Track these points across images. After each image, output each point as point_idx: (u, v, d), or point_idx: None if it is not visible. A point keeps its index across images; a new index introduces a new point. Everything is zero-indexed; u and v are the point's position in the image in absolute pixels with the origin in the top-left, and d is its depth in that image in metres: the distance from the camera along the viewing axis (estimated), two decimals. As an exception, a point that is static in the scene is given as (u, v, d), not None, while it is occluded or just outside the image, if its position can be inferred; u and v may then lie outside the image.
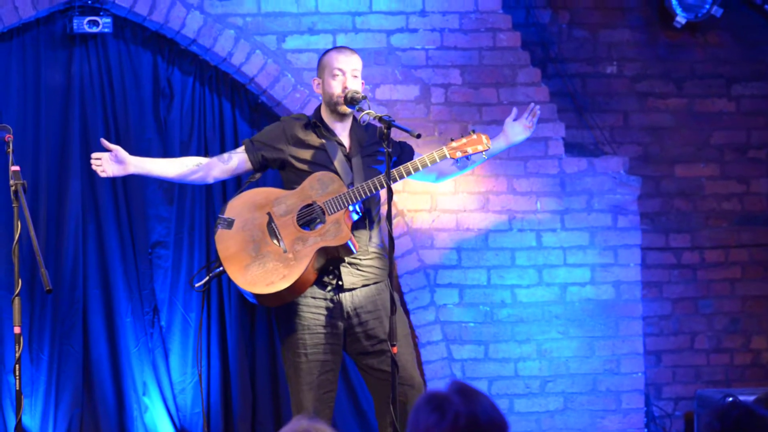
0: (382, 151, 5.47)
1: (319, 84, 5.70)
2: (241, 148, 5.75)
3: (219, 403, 6.91)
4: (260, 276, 5.50)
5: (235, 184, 6.75)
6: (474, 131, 5.68)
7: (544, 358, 7.08)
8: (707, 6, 7.59)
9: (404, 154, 5.76)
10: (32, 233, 5.11)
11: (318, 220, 5.55)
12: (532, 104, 5.91)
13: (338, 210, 5.51)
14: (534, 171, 7.12)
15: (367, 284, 5.62)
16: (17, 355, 5.08)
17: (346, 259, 5.57)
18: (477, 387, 2.90)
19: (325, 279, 5.58)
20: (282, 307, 5.60)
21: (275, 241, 5.55)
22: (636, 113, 7.71)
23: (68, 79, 6.80)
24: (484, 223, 7.07)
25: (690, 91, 7.75)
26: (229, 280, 5.64)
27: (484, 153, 5.67)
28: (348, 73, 5.63)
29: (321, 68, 5.70)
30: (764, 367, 7.72)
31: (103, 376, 6.80)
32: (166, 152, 6.82)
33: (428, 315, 7.00)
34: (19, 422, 5.15)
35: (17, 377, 5.10)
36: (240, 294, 6.47)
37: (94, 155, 5.70)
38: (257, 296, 5.55)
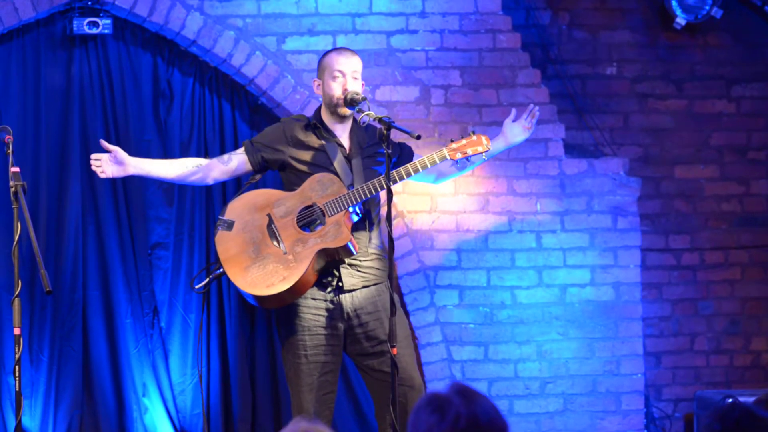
0: (382, 153, 5.47)
1: (319, 85, 5.70)
2: (241, 150, 5.74)
3: (219, 405, 6.91)
4: (260, 278, 5.50)
5: (235, 185, 6.75)
6: (474, 132, 5.68)
7: (543, 360, 7.08)
8: (707, 7, 7.59)
9: (404, 155, 5.76)
10: (32, 234, 5.11)
11: (318, 222, 5.55)
12: (531, 105, 5.91)
13: (338, 211, 5.51)
14: (534, 172, 7.13)
15: (367, 285, 5.62)
16: (17, 356, 5.08)
17: (346, 260, 5.57)
18: (477, 388, 2.91)
19: (325, 280, 5.58)
20: (282, 309, 5.60)
21: (275, 243, 5.56)
22: (636, 114, 7.71)
23: (68, 80, 6.81)
24: (484, 224, 7.07)
25: (690, 93, 7.76)
26: (229, 281, 5.64)
27: (484, 154, 5.67)
28: (348, 75, 5.63)
29: (321, 69, 5.70)
30: (764, 369, 7.72)
31: (103, 377, 6.81)
32: (166, 153, 6.82)
33: (428, 316, 7.00)
34: (18, 423, 5.15)
35: (17, 378, 5.10)
36: (240, 295, 6.47)
37: (93, 156, 5.70)
38: (257, 298, 5.55)
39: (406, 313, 6.86)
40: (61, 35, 6.79)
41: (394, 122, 5.31)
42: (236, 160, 5.73)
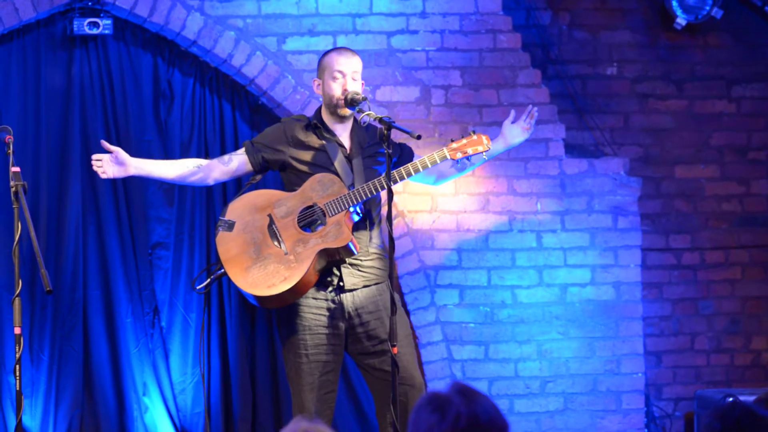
0: (383, 153, 5.47)
1: (319, 85, 5.70)
2: (242, 150, 5.74)
3: (219, 404, 6.91)
4: (261, 278, 5.51)
5: (236, 185, 6.75)
6: (474, 132, 5.68)
7: (544, 359, 7.08)
8: (707, 7, 7.59)
9: (404, 155, 5.76)
10: (32, 234, 5.11)
11: (319, 222, 5.55)
12: (530, 106, 5.91)
13: (339, 211, 5.52)
14: (534, 172, 7.13)
15: (368, 285, 5.62)
16: (17, 355, 5.08)
17: (347, 260, 5.57)
18: (477, 388, 2.91)
19: (327, 280, 5.59)
20: (283, 309, 5.61)
21: (276, 243, 5.56)
22: (636, 114, 7.71)
23: (68, 80, 6.81)
24: (485, 224, 7.07)
25: (690, 93, 7.76)
26: (230, 281, 5.64)
27: (484, 154, 5.67)
28: (348, 75, 5.63)
29: (321, 69, 5.70)
30: (764, 368, 7.72)
31: (104, 376, 6.81)
32: (167, 153, 6.82)
33: (428, 315, 7.00)
34: (19, 423, 5.15)
35: (17, 378, 5.11)
36: (240, 295, 6.48)
37: (94, 156, 5.71)
38: (258, 298, 5.55)
39: (407, 313, 6.87)
40: (62, 35, 6.80)
41: (394, 122, 5.31)
42: (237, 161, 5.73)
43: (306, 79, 6.86)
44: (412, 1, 7.07)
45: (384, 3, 7.03)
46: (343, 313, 5.59)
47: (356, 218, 5.57)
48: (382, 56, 7.03)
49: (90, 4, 6.71)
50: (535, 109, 5.89)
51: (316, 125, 5.68)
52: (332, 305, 5.59)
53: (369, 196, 5.52)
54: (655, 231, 7.65)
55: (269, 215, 5.59)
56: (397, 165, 5.63)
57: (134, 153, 5.90)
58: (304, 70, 6.91)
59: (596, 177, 7.17)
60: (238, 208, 5.64)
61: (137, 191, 6.85)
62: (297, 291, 5.50)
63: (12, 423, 6.50)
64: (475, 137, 5.65)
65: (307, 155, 5.64)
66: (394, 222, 6.65)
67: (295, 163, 5.65)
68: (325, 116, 5.69)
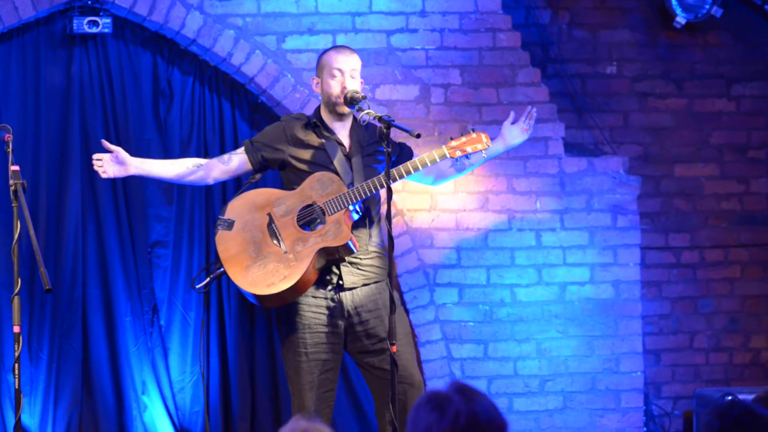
0: (382, 151, 5.48)
1: (318, 84, 5.71)
2: (241, 149, 5.75)
3: (218, 403, 6.91)
4: (261, 277, 5.51)
5: (235, 184, 6.76)
6: (473, 130, 5.68)
7: (543, 357, 7.08)
8: (707, 6, 7.59)
9: (403, 154, 5.77)
10: (32, 233, 5.11)
11: (318, 221, 5.55)
12: (530, 107, 5.91)
13: (338, 210, 5.52)
14: (534, 171, 7.13)
15: (367, 283, 5.63)
16: (16, 354, 5.09)
17: (347, 258, 5.57)
18: (476, 387, 2.91)
19: (326, 278, 5.59)
20: (282, 307, 5.61)
21: (276, 242, 5.56)
22: (636, 113, 7.71)
23: (68, 79, 6.81)
24: (484, 222, 7.07)
25: (690, 92, 7.76)
26: (229, 279, 5.64)
27: (483, 152, 5.67)
28: (347, 73, 5.63)
29: (320, 68, 5.71)
30: (763, 366, 7.72)
31: (103, 375, 6.81)
32: (166, 152, 6.82)
33: (427, 314, 7.00)
34: (18, 421, 5.16)
35: (16, 376, 5.11)
36: (239, 293, 6.47)
37: (95, 156, 5.71)
38: (258, 297, 5.55)
39: (406, 311, 6.87)
40: (61, 34, 6.80)
41: (394, 121, 5.31)
42: (236, 160, 5.74)
43: (305, 78, 6.86)
44: (412, -1, 7.08)
45: (383, 2, 7.03)
46: (343, 312, 5.59)
47: (355, 217, 5.57)
48: (381, 55, 7.02)
49: (89, 2, 6.71)
50: (534, 109, 5.89)
51: (316, 124, 5.68)
52: (332, 304, 5.59)
53: (368, 194, 5.52)
54: (654, 230, 7.65)
55: (269, 214, 5.59)
56: (396, 164, 5.63)
57: (134, 151, 5.90)
58: (303, 69, 6.90)
59: (596, 176, 7.17)
60: (237, 207, 5.64)
61: (136, 190, 6.85)
62: (296, 290, 5.51)
63: (11, 421, 6.50)
64: (474, 135, 5.65)
65: (306, 154, 5.64)
66: (394, 220, 6.64)
67: (294, 162, 5.65)
68: (325, 115, 5.69)
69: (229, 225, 5.61)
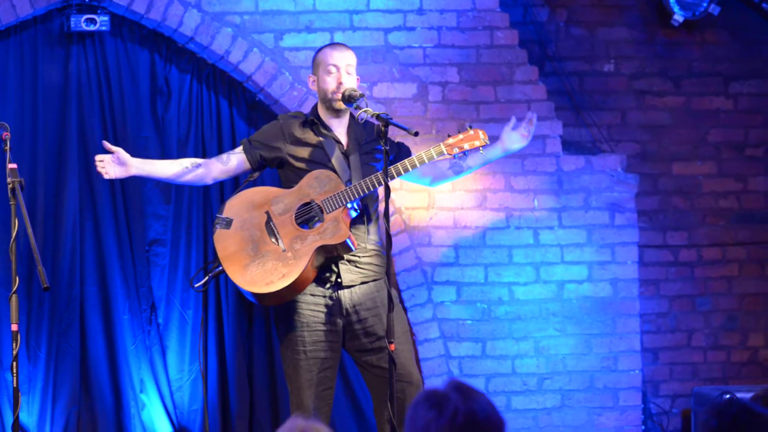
0: (380, 149, 5.48)
1: (314, 81, 5.71)
2: (239, 149, 5.75)
3: (216, 401, 6.91)
4: (259, 275, 5.51)
5: (233, 183, 6.74)
6: (471, 127, 5.69)
7: (541, 356, 7.08)
8: (705, 4, 7.59)
9: (401, 153, 5.77)
10: (29, 231, 5.11)
11: (316, 219, 5.55)
12: (530, 114, 5.91)
13: (336, 208, 5.52)
14: (531, 169, 7.13)
15: (365, 281, 5.63)
16: (15, 352, 5.08)
17: (345, 256, 5.57)
18: (474, 385, 2.91)
19: (324, 276, 5.59)
20: (281, 305, 5.61)
21: (274, 240, 5.56)
22: (633, 111, 7.71)
23: (66, 77, 6.80)
24: (482, 220, 7.07)
25: (687, 89, 7.76)
26: (227, 278, 5.65)
27: (481, 149, 5.68)
28: (342, 69, 5.63)
29: (316, 65, 5.71)
30: (761, 365, 7.73)
31: (101, 373, 6.81)
32: (164, 150, 6.82)
33: (425, 312, 7.00)
34: (16, 420, 5.15)
35: (15, 375, 5.10)
36: (238, 292, 6.47)
37: (97, 157, 5.72)
38: (256, 295, 5.55)
39: (404, 309, 6.86)
40: (59, 32, 6.79)
41: (391, 119, 5.32)
42: (235, 160, 5.74)
43: (303, 76, 6.86)
44: (410, -3, 7.08)
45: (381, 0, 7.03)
46: (341, 310, 5.59)
47: (354, 215, 5.57)
48: (379, 53, 7.02)
49: (87, 0, 6.71)
50: (535, 116, 5.89)
51: (313, 122, 5.68)
52: (330, 302, 5.59)
53: (366, 192, 5.52)
54: (652, 228, 7.65)
55: (267, 212, 5.59)
56: (394, 162, 5.63)
57: (131, 150, 5.89)
58: (301, 67, 6.90)
59: (593, 174, 7.17)
60: (235, 206, 5.64)
61: (134, 188, 6.84)
62: (295, 288, 5.51)
63: (9, 420, 6.49)
64: (471, 132, 5.65)
65: (304, 152, 5.64)
66: (392, 219, 6.64)
67: (292, 160, 5.65)
68: (322, 112, 5.69)
69: (227, 223, 5.61)
